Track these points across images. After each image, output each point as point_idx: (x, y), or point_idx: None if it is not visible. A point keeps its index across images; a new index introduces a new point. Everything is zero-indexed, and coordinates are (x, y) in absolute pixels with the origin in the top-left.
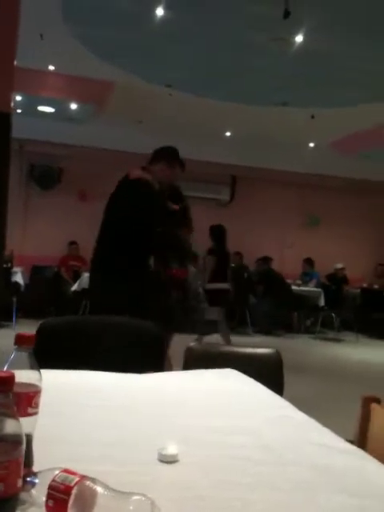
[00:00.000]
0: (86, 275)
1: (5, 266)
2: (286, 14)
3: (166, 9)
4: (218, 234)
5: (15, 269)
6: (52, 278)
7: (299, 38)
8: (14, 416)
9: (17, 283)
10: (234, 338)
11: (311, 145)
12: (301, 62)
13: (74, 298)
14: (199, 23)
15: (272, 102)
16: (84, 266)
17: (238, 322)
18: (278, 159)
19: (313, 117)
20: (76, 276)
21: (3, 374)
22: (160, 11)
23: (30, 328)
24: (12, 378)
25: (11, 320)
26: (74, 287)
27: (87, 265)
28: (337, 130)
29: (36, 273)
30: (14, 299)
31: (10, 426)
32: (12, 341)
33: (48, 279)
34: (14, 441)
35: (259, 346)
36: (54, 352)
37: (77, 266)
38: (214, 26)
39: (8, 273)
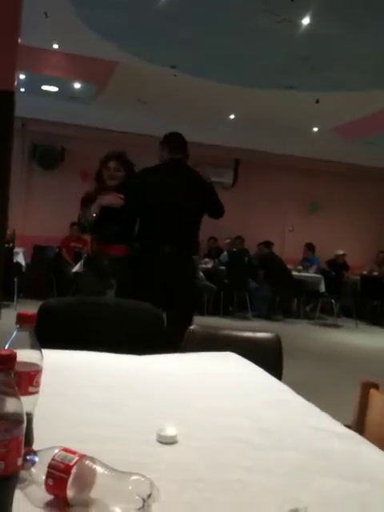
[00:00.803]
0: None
1: (6, 246)
2: None
3: None
4: None
5: (17, 249)
6: (53, 259)
7: (306, 21)
8: (16, 395)
9: (18, 263)
10: (233, 322)
11: (315, 129)
12: (307, 45)
13: (75, 279)
14: (205, 4)
15: (277, 85)
16: (85, 247)
17: (237, 307)
18: (282, 143)
19: (317, 101)
20: (77, 257)
21: (5, 353)
22: None
23: (30, 308)
24: (14, 356)
25: (12, 300)
26: (75, 268)
27: (88, 246)
28: (341, 114)
29: (37, 253)
30: (15, 279)
31: (11, 405)
32: (13, 320)
33: (49, 260)
34: (15, 419)
35: (259, 331)
36: (54, 332)
37: (78, 248)
38: (219, 7)
39: (9, 253)
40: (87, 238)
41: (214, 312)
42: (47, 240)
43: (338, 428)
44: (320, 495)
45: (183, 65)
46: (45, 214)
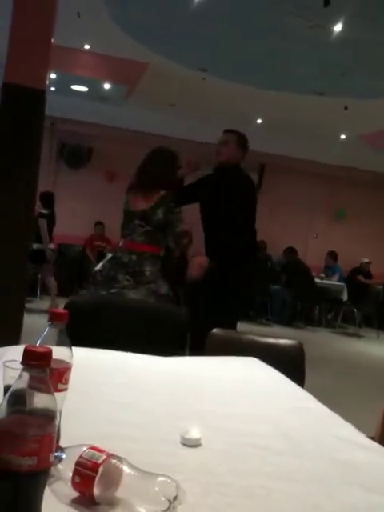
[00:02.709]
0: (109, 255)
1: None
2: (326, 2)
3: None
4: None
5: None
6: (77, 257)
7: (338, 27)
8: (50, 391)
9: None
10: (253, 328)
11: (342, 136)
12: (338, 51)
13: (95, 277)
14: (237, 7)
15: (306, 90)
16: (109, 246)
17: (256, 312)
18: (308, 149)
19: (346, 108)
20: (100, 256)
21: (41, 350)
22: None
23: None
24: (50, 353)
25: (36, 296)
26: (98, 267)
27: (112, 245)
28: (369, 122)
29: (62, 251)
30: (40, 276)
31: (45, 401)
32: (37, 316)
33: (73, 258)
34: (49, 416)
35: (280, 337)
36: (78, 330)
37: (101, 246)
38: (252, 10)
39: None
40: (110, 237)
41: None
42: (72, 238)
43: (362, 439)
44: (343, 505)
45: (213, 68)
46: (70, 213)
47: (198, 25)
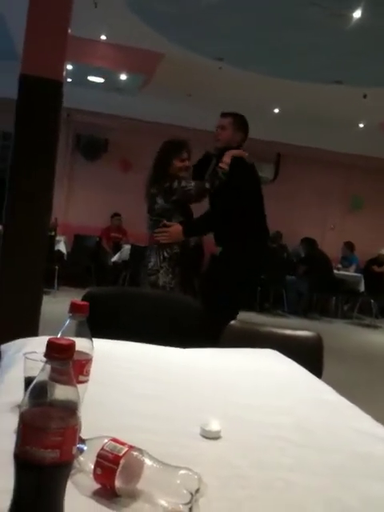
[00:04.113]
0: (126, 247)
1: (49, 234)
2: None
3: None
4: None
5: (58, 237)
6: (93, 248)
7: (357, 14)
8: (72, 383)
9: (59, 251)
10: (269, 319)
11: (361, 125)
12: (357, 39)
13: (113, 269)
14: None
15: (324, 79)
16: (125, 238)
17: (272, 303)
18: (326, 139)
19: (365, 96)
20: (116, 247)
21: (65, 342)
22: None
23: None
24: (73, 346)
25: (53, 287)
26: (115, 258)
27: (128, 237)
28: None
29: (78, 242)
30: (56, 267)
31: (68, 394)
32: (54, 307)
33: (89, 249)
34: (71, 408)
35: (297, 329)
36: (96, 321)
37: (118, 238)
38: None
39: (51, 241)
40: (126, 228)
41: (250, 307)
42: (88, 229)
43: (382, 431)
44: (364, 498)
45: (230, 57)
46: (86, 204)
47: (215, 14)
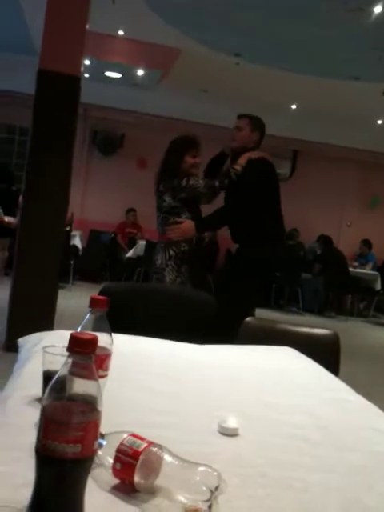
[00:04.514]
0: (141, 243)
1: (65, 228)
2: None
3: None
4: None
5: (74, 232)
6: (109, 244)
7: (378, 9)
8: (94, 378)
9: (75, 246)
10: (283, 316)
11: (379, 122)
12: (376, 35)
13: (128, 265)
14: None
15: (343, 75)
16: (140, 234)
17: (287, 299)
18: (343, 135)
19: None
20: (131, 243)
21: (88, 337)
22: None
23: (85, 291)
24: (95, 340)
25: (68, 282)
26: (129, 254)
27: (143, 232)
28: None
29: (93, 237)
30: (72, 262)
31: (90, 388)
32: (69, 301)
33: (104, 244)
34: (93, 403)
35: (314, 326)
36: (112, 316)
37: (133, 233)
38: None
39: (67, 236)
40: (141, 224)
41: (265, 304)
42: (103, 225)
43: None
44: (383, 499)
45: (247, 52)
46: (102, 199)
47: (233, 9)
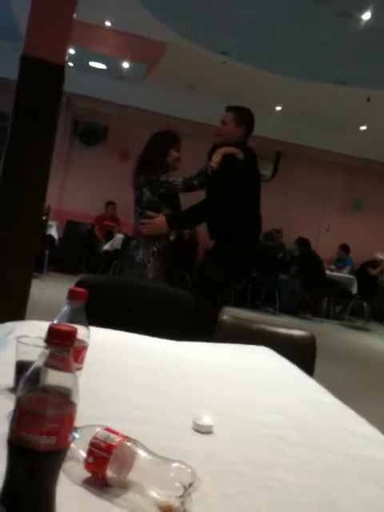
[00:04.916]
0: (118, 236)
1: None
2: None
3: None
4: None
5: (50, 222)
6: (85, 235)
7: (367, 16)
8: (71, 370)
9: (51, 236)
10: (259, 316)
11: (363, 128)
12: (364, 41)
13: (104, 258)
14: None
15: (329, 79)
16: (118, 227)
17: (264, 300)
18: (326, 139)
19: (369, 99)
20: (109, 236)
21: (67, 329)
22: None
23: (59, 281)
24: (74, 333)
25: (42, 272)
26: (106, 246)
27: (121, 226)
28: None
29: (70, 228)
30: (47, 252)
31: (66, 381)
32: (43, 291)
33: (81, 236)
34: (68, 395)
35: (289, 327)
36: (89, 309)
37: (111, 226)
38: None
39: (43, 225)
40: (121, 217)
41: (241, 303)
42: (81, 216)
43: (376, 435)
44: (359, 500)
45: (235, 51)
46: (81, 191)
47: (222, 7)
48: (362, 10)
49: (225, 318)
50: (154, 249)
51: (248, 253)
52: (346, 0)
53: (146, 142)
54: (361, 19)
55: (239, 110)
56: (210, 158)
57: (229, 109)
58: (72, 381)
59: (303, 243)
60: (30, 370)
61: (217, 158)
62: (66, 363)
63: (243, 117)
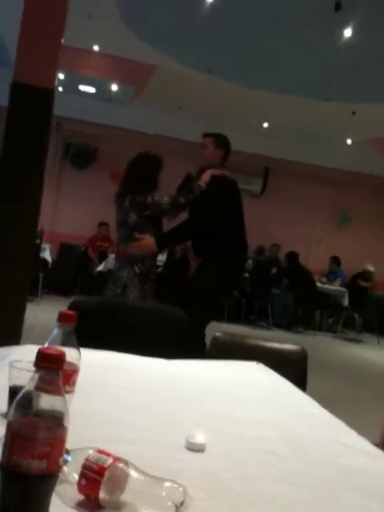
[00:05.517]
0: (112, 256)
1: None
2: (338, 7)
3: None
4: None
5: (44, 245)
6: (79, 257)
7: (348, 32)
8: (61, 394)
9: (44, 259)
10: (253, 331)
11: (349, 141)
12: (347, 56)
13: (98, 279)
14: (248, 10)
15: (314, 95)
16: (111, 248)
17: (257, 315)
18: (314, 154)
19: (354, 113)
20: (102, 256)
21: (55, 352)
22: None
23: (54, 304)
24: (63, 356)
25: (37, 295)
26: (100, 267)
27: (114, 246)
28: (377, 127)
29: (64, 251)
30: (41, 275)
31: (56, 404)
32: (38, 315)
33: (75, 258)
34: (59, 418)
35: (282, 342)
36: (82, 331)
37: (104, 247)
38: (262, 13)
39: (37, 249)
40: (114, 238)
41: (235, 319)
42: (74, 238)
43: (366, 445)
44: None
45: (221, 70)
46: (74, 213)
47: (207, 27)
48: (343, 27)
49: (217, 334)
50: (137, 270)
51: (236, 267)
52: (327, 18)
53: (133, 165)
54: (342, 36)
55: (217, 135)
56: (196, 179)
57: (206, 134)
58: (62, 404)
59: (291, 257)
60: (20, 394)
61: (206, 177)
62: (56, 386)
63: (221, 141)
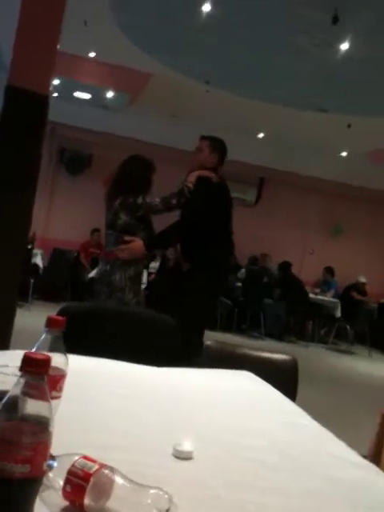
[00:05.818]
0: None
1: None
2: (335, 20)
3: (213, 5)
4: None
5: (35, 250)
6: (71, 263)
7: (345, 46)
8: (46, 399)
9: (35, 265)
10: (245, 340)
11: (344, 154)
12: (343, 70)
13: (90, 285)
14: (245, 21)
15: (310, 106)
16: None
17: (249, 324)
18: (309, 165)
19: (349, 126)
20: (94, 263)
21: (40, 357)
22: (207, 7)
23: (44, 310)
24: (49, 361)
25: (27, 301)
26: (92, 274)
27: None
28: (372, 140)
29: (56, 256)
30: (32, 280)
31: (41, 409)
32: (28, 320)
33: (67, 263)
34: (44, 423)
35: (274, 351)
36: (71, 337)
37: (96, 253)
38: (260, 25)
39: (28, 254)
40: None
41: (227, 328)
42: (67, 244)
43: (355, 457)
44: None
45: (217, 80)
46: (67, 218)
47: (204, 37)
48: (340, 41)
49: (208, 342)
50: (131, 273)
51: (223, 272)
52: (325, 31)
53: (124, 166)
54: (339, 49)
55: (213, 139)
56: (184, 180)
57: (204, 137)
58: (47, 409)
59: (284, 267)
60: (5, 398)
61: (192, 178)
62: (41, 391)
63: (217, 145)
